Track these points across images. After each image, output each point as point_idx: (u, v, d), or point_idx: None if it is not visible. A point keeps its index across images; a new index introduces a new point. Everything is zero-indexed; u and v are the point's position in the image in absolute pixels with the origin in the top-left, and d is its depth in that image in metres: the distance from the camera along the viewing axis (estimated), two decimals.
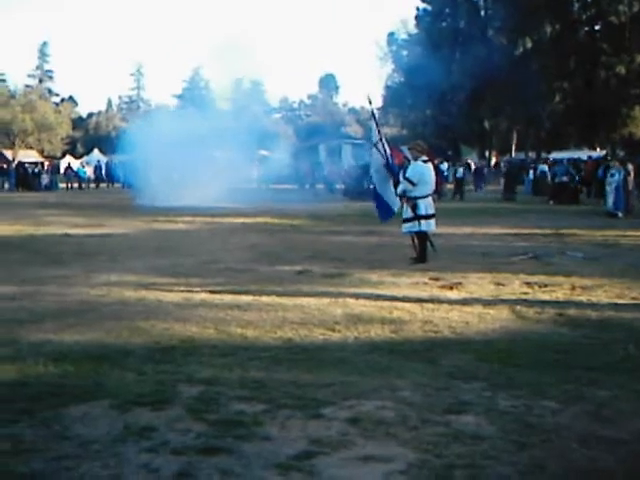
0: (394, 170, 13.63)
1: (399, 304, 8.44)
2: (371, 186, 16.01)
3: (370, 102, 14.86)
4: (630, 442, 4.42)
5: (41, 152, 76.26)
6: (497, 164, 53.62)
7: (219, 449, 4.27)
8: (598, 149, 56.14)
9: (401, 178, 12.57)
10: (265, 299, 8.78)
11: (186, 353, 6.33)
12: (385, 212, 13.48)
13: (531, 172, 37.31)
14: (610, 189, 22.25)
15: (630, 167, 23.84)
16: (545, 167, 36.45)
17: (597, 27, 56.20)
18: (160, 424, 4.64)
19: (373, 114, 14.54)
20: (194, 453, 4.23)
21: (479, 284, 9.89)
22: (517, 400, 5.11)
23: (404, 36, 62.14)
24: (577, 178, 29.23)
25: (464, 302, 8.62)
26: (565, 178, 29.30)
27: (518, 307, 8.25)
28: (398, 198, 12.69)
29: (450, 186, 35.09)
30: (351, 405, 5.01)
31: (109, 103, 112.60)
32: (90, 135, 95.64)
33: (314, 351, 6.43)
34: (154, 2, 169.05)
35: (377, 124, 13.86)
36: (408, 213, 12.03)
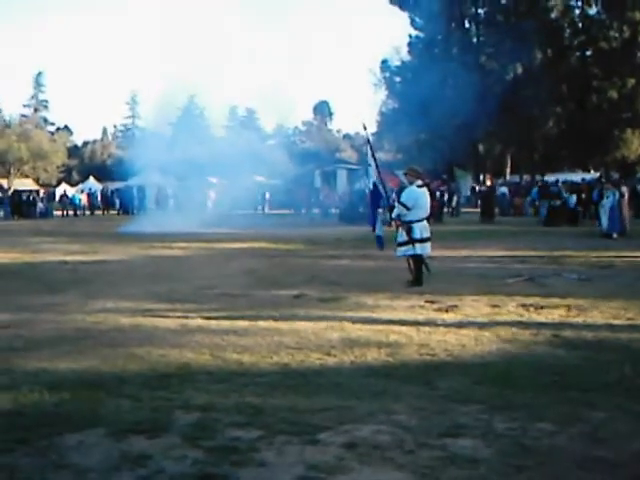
0: (380, 194, 13.75)
1: (395, 327, 8.43)
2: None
3: (365, 128, 14.99)
4: (627, 464, 4.42)
5: (36, 180, 76.41)
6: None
7: (215, 476, 4.26)
8: (592, 171, 56.39)
9: (396, 202, 12.63)
10: (261, 324, 8.77)
11: (182, 380, 6.31)
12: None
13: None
14: (604, 211, 22.35)
15: (624, 189, 23.96)
16: (505, 189, 40.35)
17: (588, 52, 56.63)
18: (156, 452, 4.63)
19: (368, 140, 14.64)
20: None
21: (475, 306, 9.89)
22: (514, 422, 5.10)
23: (397, 63, 62.45)
24: (568, 200, 29.18)
25: (460, 325, 8.62)
26: (558, 202, 29.38)
27: (514, 329, 8.25)
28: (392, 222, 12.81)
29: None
30: (347, 430, 4.99)
31: (104, 132, 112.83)
32: (85, 163, 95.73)
33: (310, 376, 6.42)
34: (148, 31, 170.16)
35: (372, 150, 13.96)
36: (403, 237, 12.06)
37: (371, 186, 13.67)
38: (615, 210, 22.14)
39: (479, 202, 38.22)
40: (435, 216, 29.25)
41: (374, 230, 13.75)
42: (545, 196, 32.94)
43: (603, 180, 35.64)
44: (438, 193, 33.97)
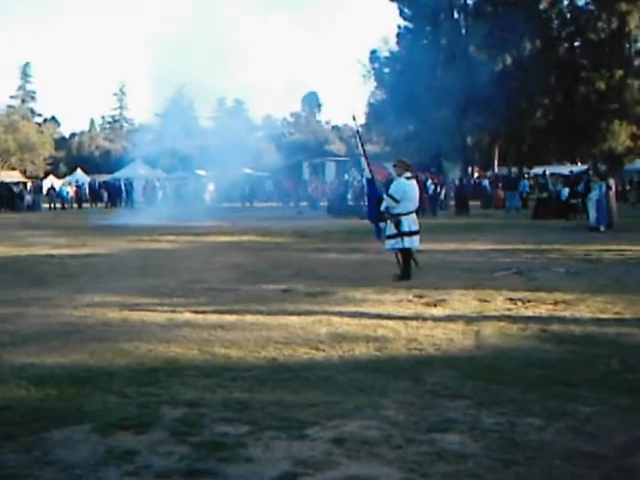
0: (373, 188, 13.71)
1: (383, 322, 8.44)
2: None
3: (355, 119, 14.97)
4: (614, 458, 4.44)
5: (24, 172, 76.02)
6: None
7: (203, 472, 4.26)
8: (579, 163, 56.57)
9: (384, 195, 12.61)
10: (249, 318, 8.76)
11: (170, 374, 6.29)
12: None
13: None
14: (591, 204, 22.39)
15: (612, 182, 24.02)
16: (486, 182, 41.75)
17: (577, 43, 56.83)
18: (143, 447, 4.61)
19: (358, 132, 14.60)
20: (178, 476, 4.21)
21: (463, 301, 9.90)
22: (501, 417, 5.12)
23: (386, 54, 62.39)
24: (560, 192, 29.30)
25: (448, 319, 8.62)
26: (545, 194, 29.54)
27: (502, 323, 8.26)
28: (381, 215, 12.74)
29: None
30: (335, 425, 4.99)
31: (92, 123, 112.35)
32: (73, 155, 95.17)
33: (298, 371, 6.41)
34: (136, 22, 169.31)
35: (362, 143, 13.95)
36: (391, 230, 12.04)
37: (369, 176, 13.60)
38: (602, 203, 22.19)
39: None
40: (427, 210, 29.44)
41: (373, 222, 13.61)
42: (508, 187, 36.51)
43: (590, 172, 35.77)
44: (432, 187, 34.19)
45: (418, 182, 13.40)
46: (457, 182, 40.04)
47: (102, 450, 4.59)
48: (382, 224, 12.85)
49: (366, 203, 14.89)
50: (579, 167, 51.46)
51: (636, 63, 54.91)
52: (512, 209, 33.68)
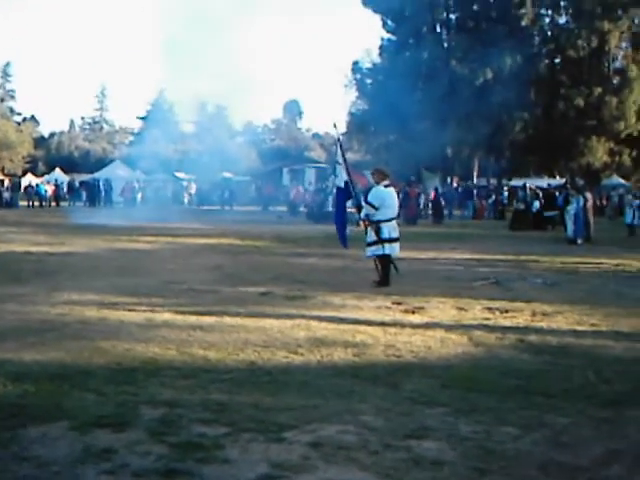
0: (343, 196, 13.72)
1: (362, 327, 8.46)
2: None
3: (335, 126, 14.99)
4: (589, 468, 4.47)
5: (1, 170, 75.36)
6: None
7: (179, 472, 4.25)
8: (558, 177, 57.00)
9: (363, 202, 12.67)
10: (228, 320, 8.75)
11: (148, 374, 6.27)
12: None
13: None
14: (569, 216, 22.60)
15: (589, 195, 24.28)
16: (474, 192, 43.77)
17: (557, 60, 57.33)
18: (120, 446, 4.60)
19: (339, 139, 14.64)
20: (155, 476, 4.20)
21: (441, 309, 9.95)
22: (478, 426, 5.14)
23: (368, 65, 62.54)
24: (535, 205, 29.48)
25: (426, 326, 8.65)
26: (522, 206, 29.79)
27: (479, 332, 8.30)
28: (361, 222, 12.79)
29: None
30: (313, 429, 5.00)
31: (72, 124, 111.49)
32: (52, 155, 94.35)
33: (276, 374, 6.41)
34: (118, 23, 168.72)
35: (342, 150, 13.98)
36: (372, 237, 12.09)
37: (341, 184, 13.63)
38: (580, 216, 22.40)
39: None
40: (411, 220, 29.57)
41: (339, 228, 13.65)
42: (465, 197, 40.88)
43: (568, 186, 36.05)
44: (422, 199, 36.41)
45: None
46: (432, 192, 39.77)
47: (79, 448, 4.57)
48: (348, 231, 12.95)
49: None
50: (557, 180, 51.85)
51: (614, 81, 55.41)
52: (467, 217, 37.75)
